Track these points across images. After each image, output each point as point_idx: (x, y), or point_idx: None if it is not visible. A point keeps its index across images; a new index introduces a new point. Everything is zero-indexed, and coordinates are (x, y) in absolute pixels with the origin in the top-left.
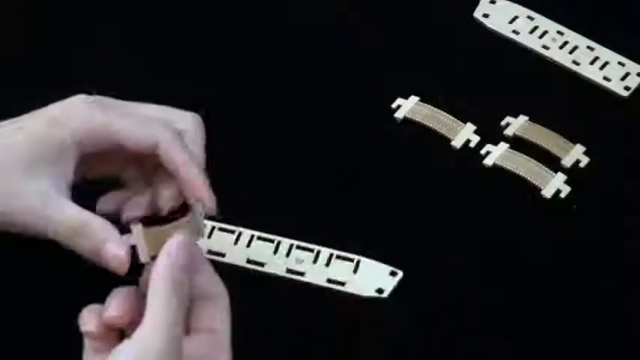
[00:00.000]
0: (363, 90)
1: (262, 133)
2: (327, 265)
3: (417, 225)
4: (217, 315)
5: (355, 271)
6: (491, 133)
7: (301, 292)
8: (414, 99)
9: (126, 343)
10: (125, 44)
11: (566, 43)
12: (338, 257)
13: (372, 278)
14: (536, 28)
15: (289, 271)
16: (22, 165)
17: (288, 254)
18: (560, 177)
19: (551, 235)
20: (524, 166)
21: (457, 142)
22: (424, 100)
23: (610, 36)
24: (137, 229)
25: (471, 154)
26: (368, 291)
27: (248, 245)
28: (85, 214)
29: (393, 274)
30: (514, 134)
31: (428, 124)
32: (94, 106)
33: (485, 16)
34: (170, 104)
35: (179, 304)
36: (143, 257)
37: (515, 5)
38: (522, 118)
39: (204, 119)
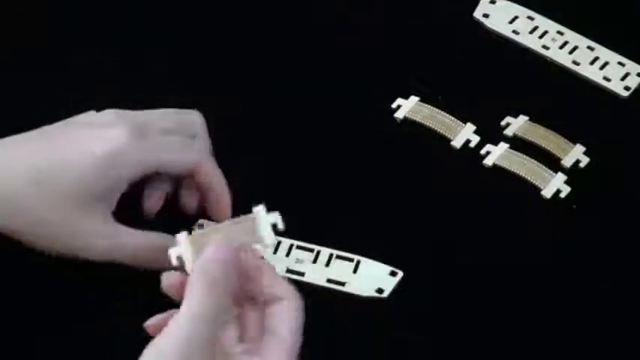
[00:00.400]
0: (363, 90)
1: (262, 133)
2: (327, 265)
3: (417, 225)
4: (280, 317)
5: (355, 271)
6: (491, 133)
7: (301, 292)
8: (414, 99)
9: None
10: (125, 43)
11: (566, 43)
12: (338, 257)
13: (371, 278)
14: (536, 28)
15: (289, 271)
16: (74, 205)
17: (288, 254)
18: (560, 177)
19: (551, 235)
20: (524, 166)
21: (457, 142)
22: (424, 100)
23: (610, 36)
24: (182, 238)
25: (471, 154)
26: (368, 291)
27: None
28: (149, 237)
29: (393, 274)
30: (514, 134)
31: (428, 124)
32: (141, 146)
33: (486, 16)
34: (170, 105)
35: (211, 299)
36: (188, 267)
37: (515, 5)
38: (522, 118)
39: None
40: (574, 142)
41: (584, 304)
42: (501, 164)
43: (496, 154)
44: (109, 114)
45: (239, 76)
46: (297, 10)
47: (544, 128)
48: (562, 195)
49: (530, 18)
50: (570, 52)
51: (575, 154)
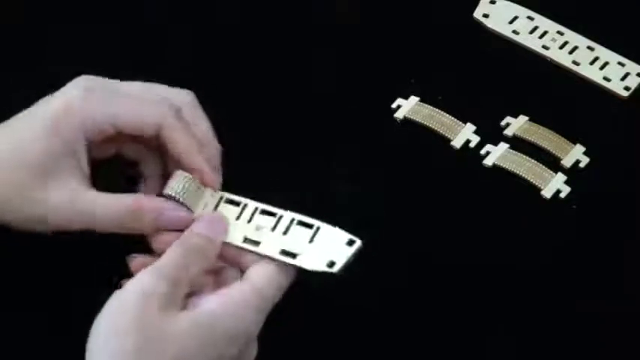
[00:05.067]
0: (363, 90)
1: (262, 133)
2: (285, 232)
3: (417, 225)
4: (254, 268)
5: (312, 239)
6: (491, 133)
7: None
8: (414, 99)
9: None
10: (126, 42)
11: (566, 43)
12: (299, 223)
13: (327, 249)
14: (536, 28)
15: (246, 240)
16: (28, 174)
17: (250, 220)
18: (560, 177)
19: (551, 235)
20: (524, 166)
21: (457, 142)
22: (424, 100)
23: (610, 36)
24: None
25: (471, 154)
26: (319, 265)
27: (215, 208)
28: (125, 199)
29: (350, 243)
30: (514, 134)
31: (428, 124)
32: (91, 101)
33: (485, 16)
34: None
35: (182, 262)
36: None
37: (515, 5)
38: (522, 118)
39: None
40: (574, 142)
41: (584, 304)
42: (501, 164)
43: (496, 154)
44: (77, 80)
45: (239, 76)
46: (297, 10)
47: (544, 128)
48: (562, 195)
49: (530, 18)
50: (570, 52)
51: (575, 154)
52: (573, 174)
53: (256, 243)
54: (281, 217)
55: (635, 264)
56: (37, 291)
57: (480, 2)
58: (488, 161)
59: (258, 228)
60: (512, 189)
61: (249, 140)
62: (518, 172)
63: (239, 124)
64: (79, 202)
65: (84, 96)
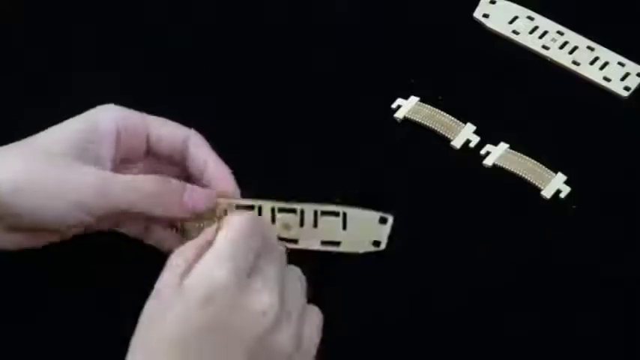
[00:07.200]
0: (363, 90)
1: (262, 133)
2: (315, 225)
3: (417, 225)
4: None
5: (345, 226)
6: (491, 133)
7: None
8: (414, 99)
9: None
10: (125, 43)
11: (566, 43)
12: (323, 214)
13: (364, 231)
14: (536, 28)
15: (281, 239)
16: (68, 156)
17: (273, 220)
18: (560, 177)
19: (551, 235)
20: (524, 166)
21: (457, 142)
22: (424, 100)
23: (610, 36)
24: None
25: (471, 154)
26: (365, 246)
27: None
28: (152, 176)
29: (383, 220)
30: (493, 164)
31: (428, 124)
32: (127, 110)
33: (486, 16)
34: (171, 107)
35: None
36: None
37: (515, 5)
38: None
39: (203, 119)
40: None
41: (584, 304)
42: (501, 164)
43: (496, 154)
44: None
45: (238, 76)
46: (297, 10)
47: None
48: (562, 195)
49: (530, 18)
50: (570, 52)
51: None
52: (573, 174)
53: (294, 241)
54: (302, 210)
55: (636, 264)
56: (39, 296)
57: (480, 2)
58: (488, 161)
59: (285, 226)
60: (512, 189)
61: (249, 140)
62: (518, 172)
63: (239, 124)
64: (111, 182)
65: (119, 107)
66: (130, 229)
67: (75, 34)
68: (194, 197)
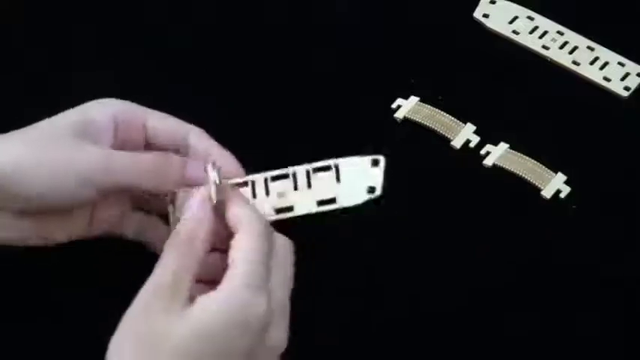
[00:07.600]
0: (363, 90)
1: (262, 133)
2: (309, 186)
3: (417, 225)
4: (235, 247)
5: (338, 179)
6: (491, 133)
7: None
8: (414, 99)
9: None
10: (125, 44)
11: (566, 43)
12: (315, 170)
13: (358, 179)
14: (536, 28)
15: (278, 210)
16: (70, 137)
17: (267, 192)
18: (560, 177)
19: (551, 235)
20: (524, 166)
21: (457, 142)
22: (424, 100)
23: (610, 36)
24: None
25: (471, 154)
26: (361, 197)
27: None
28: (152, 153)
29: (375, 162)
30: (494, 164)
31: (428, 124)
32: (125, 102)
33: (486, 16)
34: (170, 107)
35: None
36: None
37: (515, 5)
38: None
39: (202, 118)
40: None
41: (584, 304)
42: (501, 164)
43: (496, 154)
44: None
45: (238, 76)
46: (297, 10)
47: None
48: (562, 195)
49: (530, 18)
50: (570, 52)
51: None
52: (573, 174)
53: (289, 209)
54: (295, 173)
55: (636, 264)
56: (38, 297)
57: (480, 2)
58: (488, 161)
59: (280, 195)
60: (512, 189)
61: (249, 140)
62: (518, 172)
63: (239, 123)
64: (115, 158)
65: (117, 100)
66: (126, 231)
67: (75, 34)
68: (190, 171)
